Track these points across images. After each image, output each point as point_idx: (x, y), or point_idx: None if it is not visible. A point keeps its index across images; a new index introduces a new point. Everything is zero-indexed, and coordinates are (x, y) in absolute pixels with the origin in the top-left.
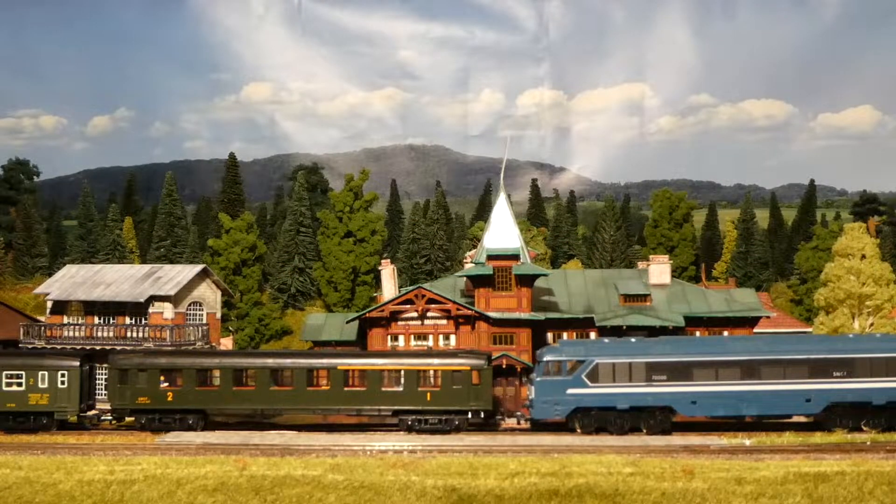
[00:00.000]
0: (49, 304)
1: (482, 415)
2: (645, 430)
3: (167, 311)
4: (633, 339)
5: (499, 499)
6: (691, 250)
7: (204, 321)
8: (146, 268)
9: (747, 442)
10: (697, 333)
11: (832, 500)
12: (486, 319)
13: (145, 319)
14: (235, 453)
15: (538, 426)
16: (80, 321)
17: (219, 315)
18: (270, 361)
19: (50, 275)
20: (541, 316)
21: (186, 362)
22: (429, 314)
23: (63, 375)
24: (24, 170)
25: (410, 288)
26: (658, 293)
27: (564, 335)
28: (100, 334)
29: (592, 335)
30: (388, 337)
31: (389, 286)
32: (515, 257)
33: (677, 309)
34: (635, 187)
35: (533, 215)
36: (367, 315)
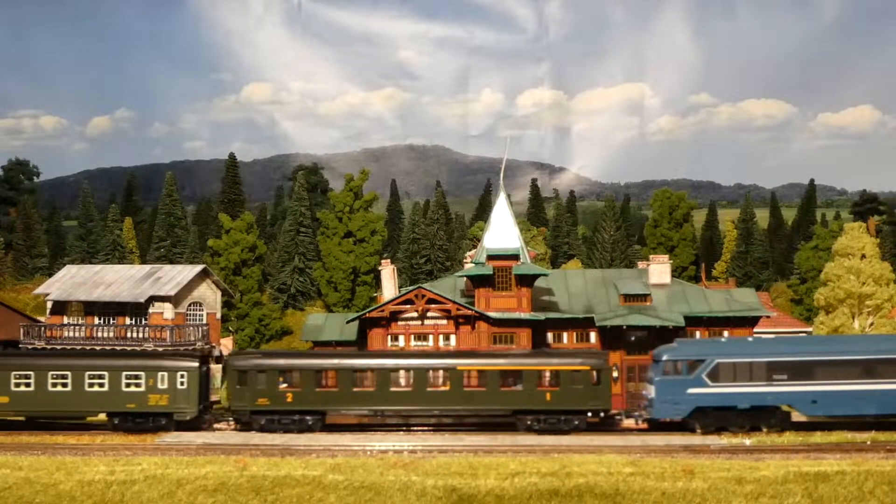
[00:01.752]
0: (49, 305)
1: (602, 415)
2: (765, 430)
3: (167, 311)
4: (749, 339)
5: (499, 499)
6: (691, 250)
7: (204, 321)
8: (146, 268)
9: (747, 442)
10: (698, 333)
11: (832, 499)
12: (486, 319)
13: (145, 320)
14: (235, 453)
15: (656, 426)
16: (80, 322)
17: (219, 315)
18: (390, 362)
19: (50, 275)
20: (541, 316)
21: (306, 363)
22: (429, 314)
23: (182, 376)
24: (23, 170)
25: (410, 288)
26: (658, 293)
27: (564, 335)
28: (100, 335)
29: (592, 335)
30: (388, 337)
31: (389, 286)
32: (515, 257)
33: (677, 309)
34: (635, 187)
35: (533, 215)
36: (368, 315)
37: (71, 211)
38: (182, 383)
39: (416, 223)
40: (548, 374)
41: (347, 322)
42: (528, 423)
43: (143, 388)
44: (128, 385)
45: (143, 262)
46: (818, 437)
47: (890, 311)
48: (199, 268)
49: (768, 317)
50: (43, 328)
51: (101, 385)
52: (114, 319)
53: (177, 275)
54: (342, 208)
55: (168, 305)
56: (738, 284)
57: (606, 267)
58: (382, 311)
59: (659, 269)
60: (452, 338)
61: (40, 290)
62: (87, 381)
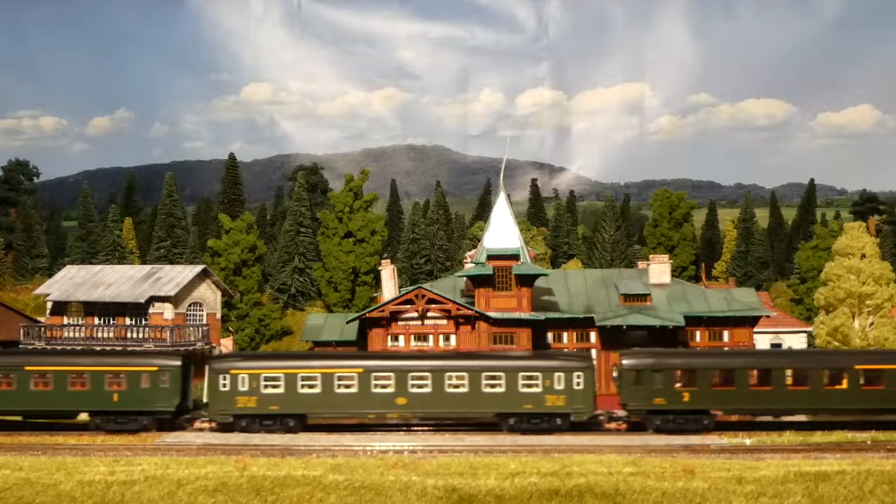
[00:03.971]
0: (49, 305)
1: None
2: None
3: (167, 311)
4: None
5: (499, 499)
6: (691, 250)
7: (204, 321)
8: (146, 268)
9: (748, 441)
10: (698, 333)
11: (833, 499)
12: (486, 319)
13: (145, 320)
14: (236, 454)
15: None
16: (80, 322)
17: (219, 315)
18: (788, 360)
19: (50, 276)
20: (541, 316)
21: (704, 362)
22: (429, 314)
23: (578, 377)
24: (23, 171)
25: (410, 288)
26: (658, 293)
27: (564, 335)
28: (100, 335)
29: (592, 335)
30: (389, 337)
31: (389, 286)
32: (515, 257)
33: (677, 308)
34: (635, 187)
35: (533, 215)
36: (368, 315)
37: (71, 211)
38: (578, 384)
39: (416, 223)
40: None
41: (347, 322)
42: None
43: (539, 389)
44: (524, 386)
45: (143, 262)
46: (818, 437)
47: (890, 311)
48: (199, 268)
49: (768, 316)
50: (43, 329)
51: (498, 386)
52: (114, 320)
53: (177, 275)
54: (342, 208)
55: (168, 306)
56: (738, 284)
57: (606, 267)
58: (382, 311)
59: (659, 269)
60: (452, 338)
61: (40, 290)
62: (484, 381)
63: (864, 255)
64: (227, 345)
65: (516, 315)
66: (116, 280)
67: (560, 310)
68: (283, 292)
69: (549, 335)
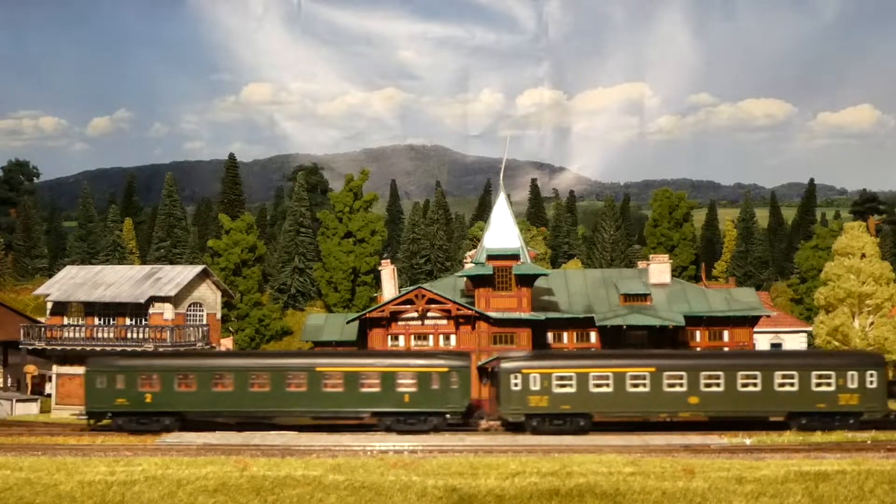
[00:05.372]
0: (49, 306)
1: None
2: None
3: (167, 311)
4: None
5: (499, 499)
6: (691, 250)
7: (204, 322)
8: (146, 269)
9: (748, 441)
10: (698, 333)
11: (833, 499)
12: (487, 319)
13: (145, 320)
14: (236, 454)
15: None
16: (80, 322)
17: (219, 316)
18: None
19: (50, 276)
20: (541, 316)
21: None
22: (429, 314)
23: (871, 375)
24: (23, 171)
25: (410, 288)
26: (658, 292)
27: (564, 335)
28: (100, 335)
29: (592, 335)
30: (389, 337)
31: (389, 286)
32: (515, 257)
33: (677, 308)
34: (635, 187)
35: (533, 215)
36: (368, 315)
37: (71, 212)
38: (871, 382)
39: (416, 223)
40: None
41: (348, 322)
42: None
43: (832, 388)
44: (817, 385)
45: (143, 262)
46: (818, 437)
47: (890, 311)
48: (199, 268)
49: (768, 316)
50: (43, 329)
51: (790, 385)
52: (114, 320)
53: (177, 275)
54: (342, 208)
55: (168, 306)
56: (738, 284)
57: (606, 267)
58: (383, 311)
59: (659, 269)
60: (453, 338)
61: (40, 290)
62: (777, 380)
63: (864, 255)
64: (227, 345)
65: (516, 315)
66: (116, 280)
67: (560, 310)
68: (283, 292)
69: (549, 335)
